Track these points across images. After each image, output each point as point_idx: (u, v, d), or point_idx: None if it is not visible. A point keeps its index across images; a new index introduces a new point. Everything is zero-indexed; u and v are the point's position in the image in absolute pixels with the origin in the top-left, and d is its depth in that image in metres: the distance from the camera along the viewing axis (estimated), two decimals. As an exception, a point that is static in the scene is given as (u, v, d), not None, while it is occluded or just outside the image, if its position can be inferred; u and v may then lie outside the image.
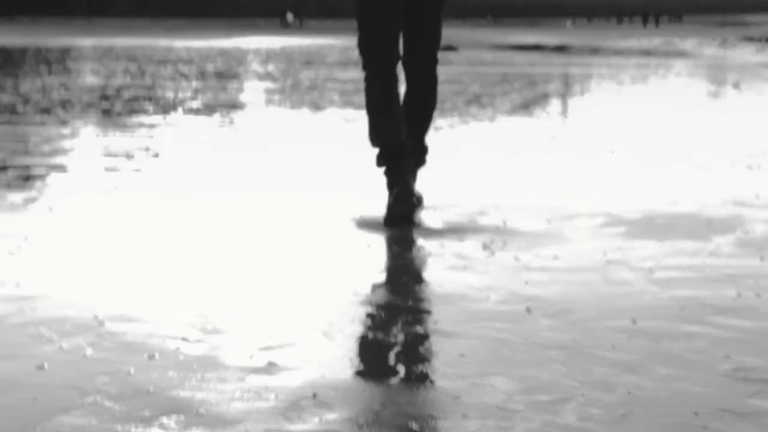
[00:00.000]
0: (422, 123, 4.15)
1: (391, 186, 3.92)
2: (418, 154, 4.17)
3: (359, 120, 7.62)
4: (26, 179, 4.64)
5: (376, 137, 3.98)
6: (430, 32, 4.06)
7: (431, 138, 4.88)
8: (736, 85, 11.82)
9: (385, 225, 3.77)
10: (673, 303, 2.67)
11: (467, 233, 3.57)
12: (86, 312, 2.53)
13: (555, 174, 4.95)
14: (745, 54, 23.12)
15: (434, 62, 4.10)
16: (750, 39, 35.50)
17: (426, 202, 4.17)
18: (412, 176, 4.05)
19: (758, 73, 14.76)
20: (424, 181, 4.30)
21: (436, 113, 4.47)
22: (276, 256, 3.20)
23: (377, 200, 4.21)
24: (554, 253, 3.25)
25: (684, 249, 3.32)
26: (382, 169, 4.01)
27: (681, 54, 23.52)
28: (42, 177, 4.71)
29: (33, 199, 4.11)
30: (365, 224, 3.74)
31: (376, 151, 4.04)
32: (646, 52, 24.19)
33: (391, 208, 3.82)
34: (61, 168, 4.99)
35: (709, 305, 2.65)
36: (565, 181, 4.74)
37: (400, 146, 3.93)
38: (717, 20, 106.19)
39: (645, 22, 75.45)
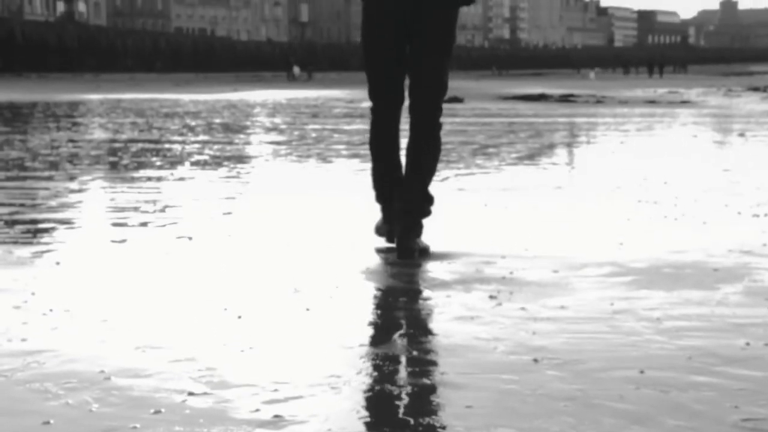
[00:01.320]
0: (424, 172, 4.23)
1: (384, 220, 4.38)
2: (422, 204, 4.22)
3: (366, 171, 7.64)
4: (33, 234, 4.66)
5: (373, 180, 4.43)
6: (431, 81, 4.17)
7: (437, 187, 4.93)
8: (741, 134, 11.84)
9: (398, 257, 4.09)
10: (681, 353, 2.66)
11: (474, 283, 3.57)
12: (92, 366, 2.53)
13: (561, 223, 4.95)
14: (750, 103, 23.19)
15: (436, 111, 4.20)
16: (755, 88, 35.60)
17: (432, 251, 4.18)
18: (414, 244, 4.14)
19: (763, 122, 14.79)
20: (430, 231, 4.30)
21: (441, 164, 4.59)
22: (282, 307, 3.19)
23: (385, 252, 4.21)
24: (561, 303, 3.24)
25: (691, 298, 3.31)
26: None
27: (686, 103, 23.59)
28: (49, 231, 4.72)
29: (40, 254, 4.12)
30: (371, 275, 3.74)
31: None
32: (652, 102, 24.27)
33: (397, 245, 4.15)
34: (68, 222, 5.00)
35: (718, 355, 2.64)
36: (572, 230, 4.74)
37: (383, 195, 4.38)
38: (721, 70, 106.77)
39: (651, 72, 75.72)
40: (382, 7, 4.14)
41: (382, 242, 4.40)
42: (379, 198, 4.42)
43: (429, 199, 4.27)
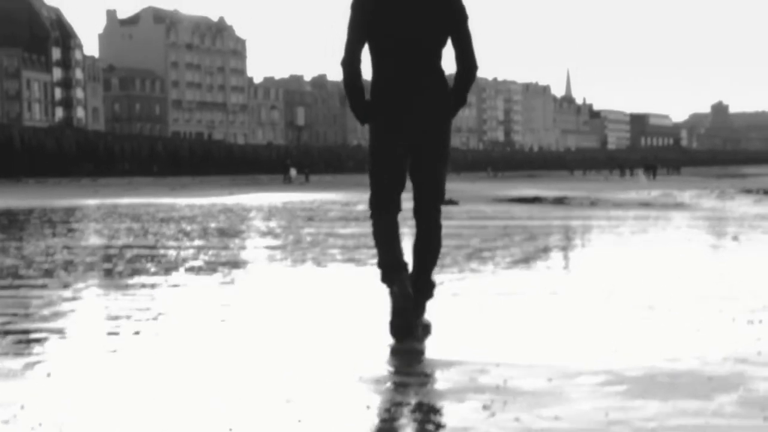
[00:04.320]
0: (428, 260, 4.91)
1: (389, 286, 4.75)
2: (426, 289, 4.90)
3: (362, 275, 7.65)
4: (25, 344, 4.63)
5: (378, 257, 4.82)
6: (430, 188, 4.87)
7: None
8: (735, 237, 11.88)
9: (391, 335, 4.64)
10: (677, 466, 2.63)
11: (467, 393, 3.54)
12: (80, 483, 2.49)
13: (556, 330, 4.93)
14: (743, 206, 23.31)
15: (435, 212, 4.90)
16: (748, 191, 35.84)
17: (425, 359, 4.16)
18: (418, 304, 4.82)
19: (757, 225, 14.86)
20: (422, 337, 4.30)
21: (436, 269, 5.07)
22: (274, 418, 3.16)
23: (378, 359, 4.19)
24: (556, 414, 3.21)
25: (687, 409, 3.28)
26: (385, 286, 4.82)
27: (680, 206, 23.72)
28: (41, 342, 4.70)
29: (31, 365, 4.09)
30: (365, 385, 3.72)
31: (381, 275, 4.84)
32: (646, 204, 24.40)
33: (391, 323, 4.66)
34: (60, 332, 4.98)
35: (713, 468, 2.61)
36: (566, 336, 4.72)
37: (395, 261, 4.75)
38: (714, 172, 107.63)
39: (647, 174, 76.02)
40: (388, 129, 4.76)
41: (375, 352, 4.38)
42: (385, 278, 4.81)
43: (431, 285, 4.96)
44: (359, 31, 4.74)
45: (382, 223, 4.83)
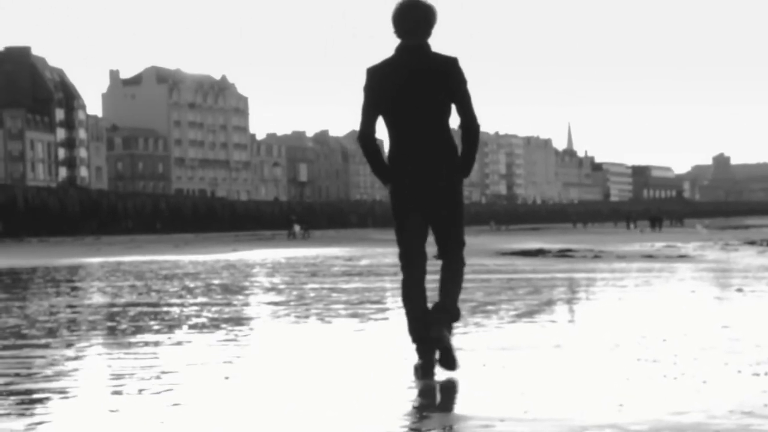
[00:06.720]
0: (454, 289, 5.34)
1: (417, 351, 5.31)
2: (454, 313, 5.28)
3: (366, 330, 7.64)
4: (28, 405, 4.61)
5: (407, 324, 5.33)
6: (451, 235, 5.38)
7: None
8: (739, 289, 11.85)
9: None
10: None
11: (472, 450, 3.51)
12: None
13: (560, 384, 4.91)
14: (747, 257, 23.27)
15: (458, 249, 5.39)
16: (751, 242, 35.79)
17: (429, 414, 4.14)
18: (445, 334, 5.16)
19: (761, 277, 14.83)
20: (429, 392, 4.27)
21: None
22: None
23: (382, 415, 4.17)
24: (561, 470, 3.19)
25: (693, 462, 3.25)
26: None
27: (684, 257, 23.68)
28: (44, 402, 4.68)
29: (33, 426, 4.07)
30: (369, 443, 3.70)
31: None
32: (649, 256, 24.36)
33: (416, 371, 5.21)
34: (63, 392, 4.96)
35: None
36: (571, 390, 4.70)
37: (419, 335, 5.22)
38: (718, 224, 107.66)
39: (653, 226, 76.14)
40: (407, 191, 5.29)
41: (379, 408, 4.36)
42: (415, 339, 5.29)
43: (458, 312, 5.35)
44: (372, 111, 5.33)
45: (410, 283, 5.36)
